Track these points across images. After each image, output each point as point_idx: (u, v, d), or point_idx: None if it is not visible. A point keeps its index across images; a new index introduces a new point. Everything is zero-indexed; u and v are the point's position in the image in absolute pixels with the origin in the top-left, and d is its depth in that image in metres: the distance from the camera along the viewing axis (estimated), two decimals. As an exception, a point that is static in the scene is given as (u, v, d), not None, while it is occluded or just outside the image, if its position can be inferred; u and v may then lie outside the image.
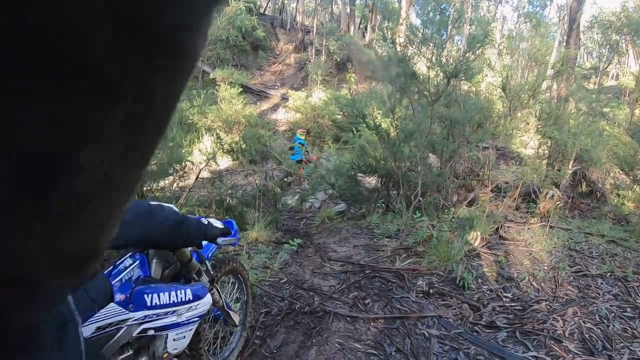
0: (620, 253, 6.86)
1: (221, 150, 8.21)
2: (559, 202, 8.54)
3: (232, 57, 21.84)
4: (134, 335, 2.08)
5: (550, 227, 7.46)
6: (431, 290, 5.09)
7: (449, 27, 7.70)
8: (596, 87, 25.94)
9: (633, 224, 8.47)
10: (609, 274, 5.99)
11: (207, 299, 2.51)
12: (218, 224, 2.48)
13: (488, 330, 4.49)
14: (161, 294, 2.18)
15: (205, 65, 18.76)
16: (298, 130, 13.73)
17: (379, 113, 8.51)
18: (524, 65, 11.76)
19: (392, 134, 7.62)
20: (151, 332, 2.17)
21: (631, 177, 9.51)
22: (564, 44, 11.49)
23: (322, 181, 8.72)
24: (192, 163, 7.95)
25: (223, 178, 8.54)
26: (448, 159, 7.99)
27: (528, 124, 11.88)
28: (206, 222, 2.37)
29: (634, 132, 9.79)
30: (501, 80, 8.33)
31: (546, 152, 9.83)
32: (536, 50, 9.44)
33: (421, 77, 7.18)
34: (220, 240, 2.39)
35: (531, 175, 8.24)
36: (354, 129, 9.04)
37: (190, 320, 2.39)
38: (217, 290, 2.96)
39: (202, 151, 8.87)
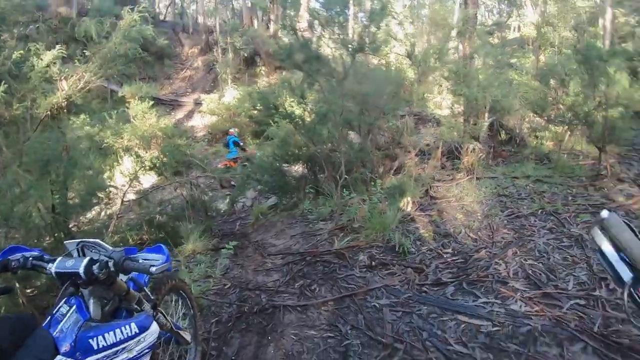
0: (547, 189, 7.11)
1: (142, 169, 7.93)
2: (481, 154, 8.74)
3: (138, 71, 21.22)
4: None
5: (477, 178, 7.65)
6: (373, 263, 5.09)
7: (350, 5, 7.71)
8: (500, 41, 26.82)
9: (554, 160, 8.78)
10: (540, 210, 6.20)
11: (154, 328, 2.40)
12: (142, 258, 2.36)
13: (436, 288, 4.53)
14: (106, 335, 2.05)
15: (112, 83, 18.15)
16: (229, 130, 13.68)
17: (292, 101, 8.44)
18: (428, 31, 11.99)
19: (307, 119, 7.58)
20: None
21: (545, 118, 9.85)
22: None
23: (247, 179, 8.60)
24: (116, 188, 7.66)
25: (149, 196, 8.26)
26: (367, 133, 8.02)
27: (441, 86, 12.12)
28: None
29: (541, 77, 10.13)
30: (406, 49, 8.43)
31: (461, 109, 10.07)
32: (436, 14, 9.62)
33: (327, 58, 7.15)
34: (153, 269, 2.20)
35: (449, 133, 8.41)
36: (271, 122, 8.92)
37: (142, 353, 2.29)
38: (162, 313, 2.82)
39: (124, 173, 8.56)
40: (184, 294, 3.49)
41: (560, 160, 8.51)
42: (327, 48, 7.53)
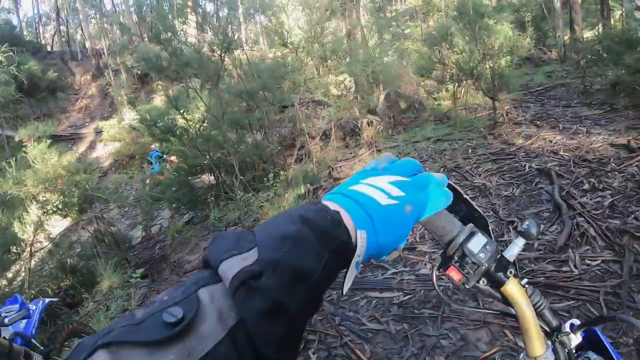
0: (447, 147, 7.24)
1: (46, 214, 7.54)
2: (379, 126, 8.83)
3: (32, 110, 20.24)
4: None
5: (378, 150, 7.69)
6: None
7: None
8: (393, 14, 27.27)
9: (453, 118, 8.97)
10: (442, 168, 6.28)
11: None
12: None
13: (344, 270, 4.50)
14: None
15: (7, 129, 17.23)
16: (151, 147, 13.36)
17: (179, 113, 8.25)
18: (306, 15, 11.96)
19: (190, 130, 7.43)
20: None
21: (433, 79, 10.07)
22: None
23: (152, 200, 8.35)
24: (24, 242, 7.29)
25: (59, 241, 7.86)
26: (259, 129, 7.92)
27: (327, 64, 12.15)
28: None
29: (429, 41, 10.32)
30: (278, 39, 8.37)
31: (352, 87, 10.14)
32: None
33: (200, 61, 6.98)
34: (6, 320, 2.26)
35: (336, 113, 8.42)
36: (169, 138, 8.68)
37: None
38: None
39: (31, 222, 8.13)
40: (86, 335, 3.38)
41: (458, 117, 8.70)
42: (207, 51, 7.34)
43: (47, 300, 3.17)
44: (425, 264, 4.13)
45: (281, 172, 7.27)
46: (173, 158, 8.53)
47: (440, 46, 9.13)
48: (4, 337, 2.31)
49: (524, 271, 3.56)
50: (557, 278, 3.37)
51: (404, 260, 4.34)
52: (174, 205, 8.58)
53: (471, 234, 0.80)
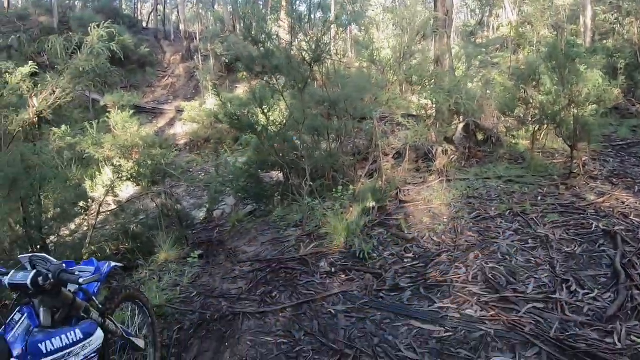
0: (517, 190, 7.09)
1: (120, 179, 7.95)
2: (453, 156, 8.79)
3: (120, 79, 21.14)
4: None
5: (448, 180, 7.64)
6: (333, 269, 5.17)
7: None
8: (484, 41, 26.86)
9: (528, 160, 8.76)
10: (508, 211, 6.17)
11: (98, 334, 2.59)
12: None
13: (393, 294, 4.58)
14: (53, 340, 2.28)
15: (94, 93, 18.09)
16: None
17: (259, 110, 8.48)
18: (396, 35, 12.01)
19: (270, 128, 7.61)
20: None
21: (515, 118, 9.89)
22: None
23: (221, 187, 8.63)
24: (92, 200, 7.71)
25: (126, 207, 8.28)
26: (335, 139, 8.05)
27: (412, 86, 12.14)
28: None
29: (516, 76, 10.14)
30: (368, 54, 8.46)
31: (432, 112, 10.10)
32: (402, 19, 9.62)
33: (289, 66, 7.17)
34: (81, 280, 2.41)
35: (413, 137, 8.42)
36: (248, 129, 8.94)
37: (88, 356, 2.47)
38: (112, 321, 3.01)
39: (103, 184, 8.59)
40: (139, 302, 3.65)
41: (533, 160, 8.49)
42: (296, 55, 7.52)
43: (112, 264, 3.36)
44: (472, 305, 4.13)
45: (350, 185, 7.35)
46: None
47: (526, 84, 8.97)
48: (69, 290, 2.58)
49: (567, 333, 3.52)
50: (597, 348, 3.30)
51: (452, 296, 4.35)
52: (239, 195, 8.81)
53: None
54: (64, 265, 2.46)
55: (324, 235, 6.05)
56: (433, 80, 9.02)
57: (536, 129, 9.02)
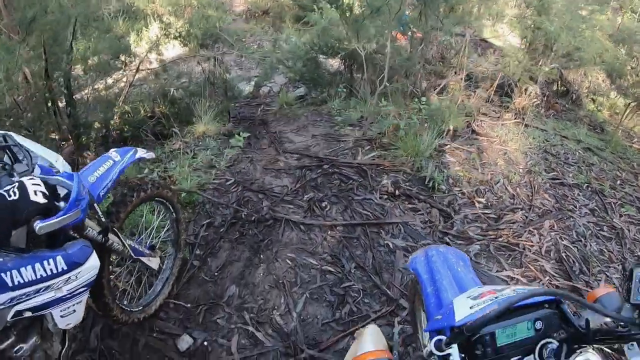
0: (596, 163, 6.42)
1: (166, 37, 7.07)
2: (535, 100, 7.85)
3: None
4: (8, 320, 1.56)
5: (526, 125, 6.82)
6: (397, 192, 4.39)
7: None
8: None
9: (608, 133, 8.06)
10: (586, 185, 5.57)
11: (91, 263, 1.81)
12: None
13: (459, 242, 3.95)
14: (22, 270, 1.53)
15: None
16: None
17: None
18: None
19: (355, 9, 6.60)
20: (28, 314, 1.62)
21: (615, 85, 8.95)
22: None
23: (277, 64, 7.76)
24: (135, 55, 6.87)
25: (168, 68, 7.42)
26: (419, 42, 7.03)
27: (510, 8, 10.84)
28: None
29: (621, 40, 9.07)
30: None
31: (522, 43, 9.04)
32: None
33: None
34: (38, 226, 1.56)
35: (514, 68, 7.45)
36: (315, 7, 7.96)
37: (75, 293, 1.77)
38: (119, 237, 2.23)
39: (149, 40, 7.75)
40: (163, 200, 2.83)
41: (614, 136, 7.74)
42: None
43: (139, 153, 2.48)
44: (542, 285, 3.62)
45: (421, 96, 6.51)
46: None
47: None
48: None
49: None
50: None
51: (523, 266, 3.81)
52: (293, 75, 8.02)
53: None
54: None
55: (388, 146, 5.26)
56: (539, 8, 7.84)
57: (629, 104, 8.12)
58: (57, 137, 4.84)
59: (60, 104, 5.01)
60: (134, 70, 6.28)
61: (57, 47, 4.63)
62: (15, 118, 4.37)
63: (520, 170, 5.52)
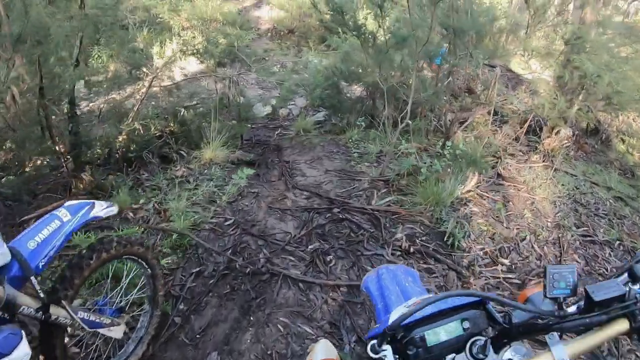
0: (628, 215, 5.93)
1: (184, 54, 6.79)
2: (566, 142, 7.41)
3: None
4: None
5: (555, 169, 6.40)
6: (412, 248, 3.97)
7: None
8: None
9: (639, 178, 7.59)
10: (617, 242, 5.12)
11: (20, 353, 1.47)
12: None
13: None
14: None
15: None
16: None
17: (368, 13, 7.13)
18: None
19: (379, 38, 6.25)
20: None
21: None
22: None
23: (297, 88, 7.48)
24: (155, 68, 6.61)
25: (181, 86, 7.13)
26: (447, 75, 6.63)
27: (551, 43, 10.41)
28: None
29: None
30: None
31: (552, 79, 8.59)
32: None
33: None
34: None
35: (548, 111, 7.05)
36: (340, 31, 7.67)
37: None
38: (68, 311, 1.90)
39: (163, 55, 7.53)
40: (134, 257, 2.47)
41: (646, 184, 7.18)
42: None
43: (95, 210, 2.16)
44: None
45: (445, 135, 6.12)
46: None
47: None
48: None
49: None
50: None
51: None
52: (313, 101, 7.70)
53: None
54: None
55: (406, 190, 4.87)
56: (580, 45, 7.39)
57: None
58: (46, 161, 4.50)
59: (56, 122, 4.66)
60: (148, 85, 5.99)
61: (57, 61, 4.30)
62: (1, 140, 4.04)
63: (549, 224, 5.09)
